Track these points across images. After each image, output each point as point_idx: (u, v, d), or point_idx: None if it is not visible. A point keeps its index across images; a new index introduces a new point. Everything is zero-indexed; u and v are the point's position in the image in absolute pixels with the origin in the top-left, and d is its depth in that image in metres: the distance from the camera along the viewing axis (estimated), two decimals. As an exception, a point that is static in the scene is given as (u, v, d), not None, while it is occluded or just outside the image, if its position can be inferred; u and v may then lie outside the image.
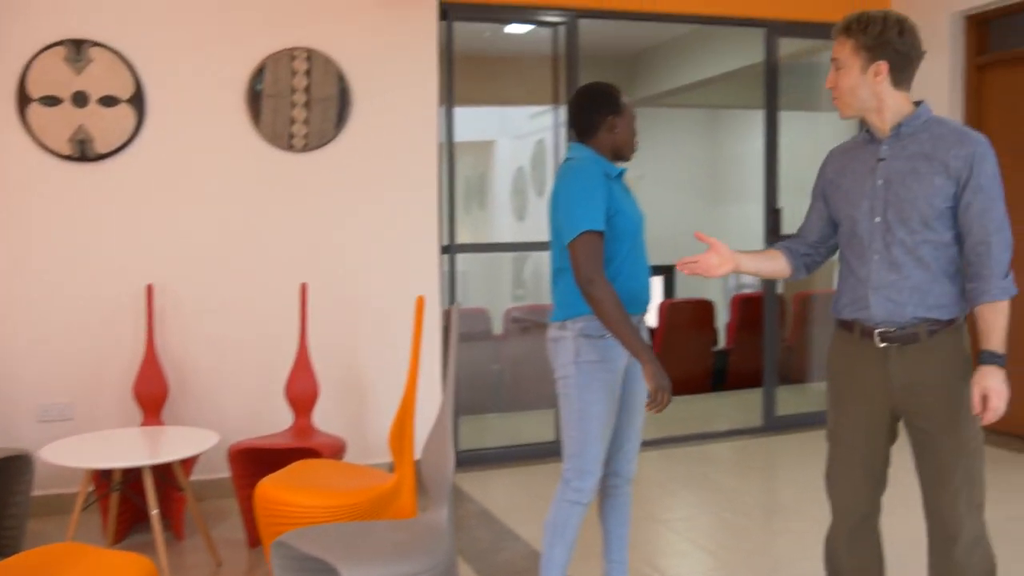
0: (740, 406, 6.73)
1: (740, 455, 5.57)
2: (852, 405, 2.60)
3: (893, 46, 2.42)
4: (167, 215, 4.61)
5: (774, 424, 6.01)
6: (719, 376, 7.48)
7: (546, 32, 5.50)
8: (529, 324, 7.50)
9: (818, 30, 5.97)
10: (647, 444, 5.44)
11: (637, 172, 8.33)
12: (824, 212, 2.69)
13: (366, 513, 3.34)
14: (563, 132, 5.52)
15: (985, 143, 2.43)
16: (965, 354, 2.50)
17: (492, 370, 6.72)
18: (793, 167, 6.11)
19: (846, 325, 2.60)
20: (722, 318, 8.99)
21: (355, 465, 3.83)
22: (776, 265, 2.72)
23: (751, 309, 7.52)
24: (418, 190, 5.01)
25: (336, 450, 4.10)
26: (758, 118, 10.66)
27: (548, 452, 5.40)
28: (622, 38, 8.01)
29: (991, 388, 2.35)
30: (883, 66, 2.43)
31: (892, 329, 2.47)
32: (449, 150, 5.18)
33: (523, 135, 10.65)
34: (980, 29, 5.63)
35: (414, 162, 5.01)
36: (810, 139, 7.19)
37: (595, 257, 2.78)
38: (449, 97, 5.13)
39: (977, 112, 5.66)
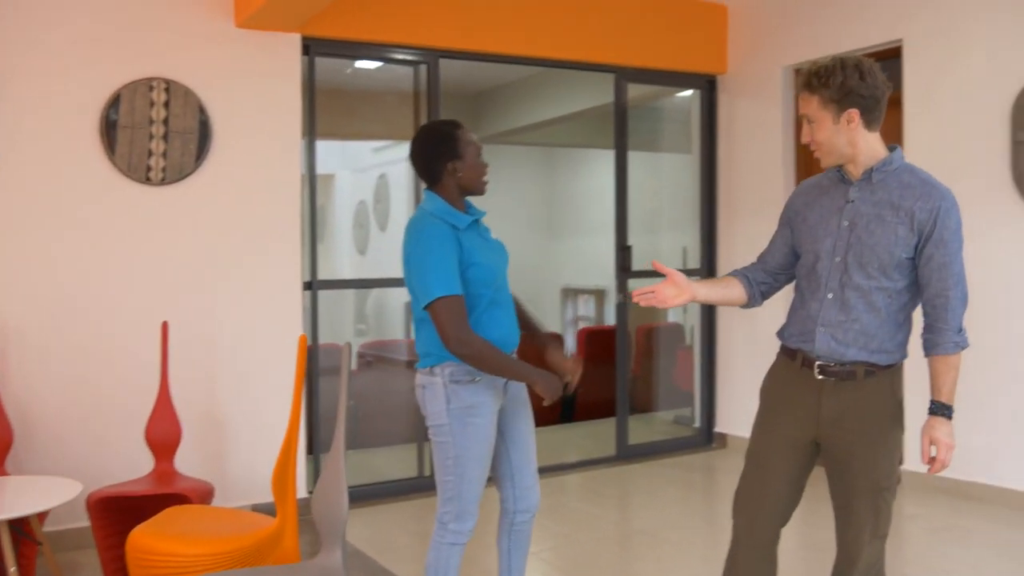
0: (591, 436, 6.93)
1: (597, 484, 5.74)
2: (780, 429, 2.64)
3: (858, 92, 2.43)
4: (12, 248, 4.33)
5: (627, 453, 6.23)
6: (567, 407, 7.66)
7: (408, 70, 5.55)
8: (371, 359, 7.48)
9: (663, 77, 6.33)
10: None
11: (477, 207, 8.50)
12: (789, 240, 2.72)
13: (248, 559, 3.23)
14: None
15: (951, 197, 2.46)
16: (897, 398, 2.56)
17: (348, 406, 6.63)
18: (635, 206, 6.39)
19: (789, 353, 2.65)
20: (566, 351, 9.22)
21: (229, 509, 3.70)
22: (732, 293, 2.75)
23: (597, 342, 7.77)
24: (281, 225, 4.93)
25: (204, 495, 3.95)
26: (594, 156, 11.13)
27: (411, 488, 5.39)
28: (469, 76, 8.16)
29: (940, 440, 2.43)
30: (854, 114, 2.45)
31: (832, 365, 2.53)
32: (311, 184, 5.13)
33: (365, 168, 10.62)
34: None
35: (276, 196, 4.93)
36: (653, 178, 7.57)
37: (457, 319, 2.76)
38: (311, 131, 5.09)
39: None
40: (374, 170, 10.44)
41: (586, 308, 11.91)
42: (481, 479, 2.96)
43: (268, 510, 4.20)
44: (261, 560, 3.27)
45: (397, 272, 5.95)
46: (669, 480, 5.83)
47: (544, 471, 5.80)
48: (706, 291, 2.75)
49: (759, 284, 2.78)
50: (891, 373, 2.54)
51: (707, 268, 6.54)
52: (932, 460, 2.47)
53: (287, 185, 4.95)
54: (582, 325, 11.75)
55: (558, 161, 11.93)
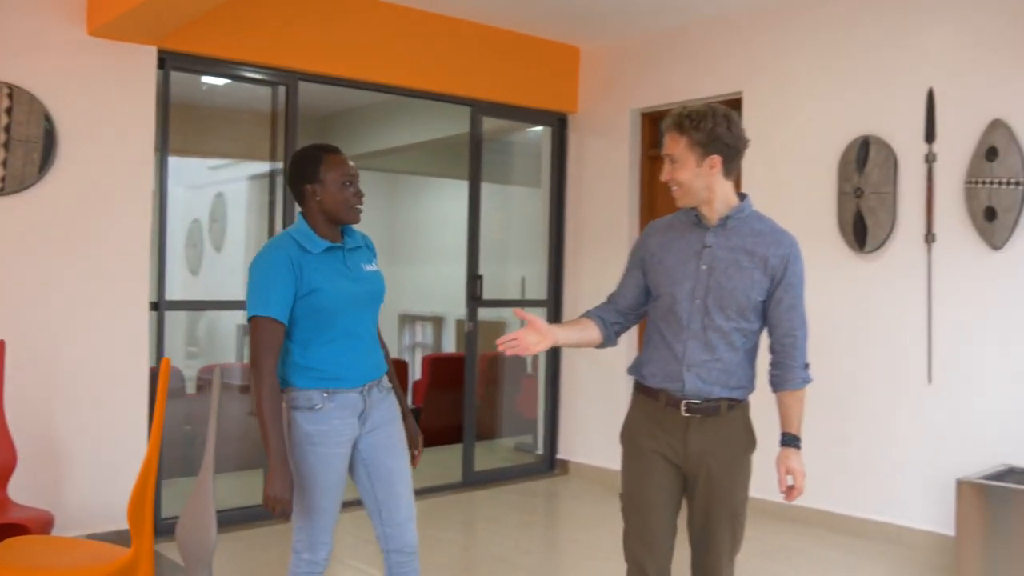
0: (435, 463, 6.95)
1: (444, 510, 5.77)
2: (654, 472, 2.68)
3: (724, 140, 2.59)
4: None
5: (472, 479, 6.30)
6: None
7: (266, 89, 5.47)
8: (204, 383, 7.24)
9: (517, 112, 6.51)
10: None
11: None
12: (641, 281, 2.77)
13: (100, 591, 3.09)
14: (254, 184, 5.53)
15: (797, 245, 2.64)
16: (751, 428, 2.72)
17: (184, 431, 6.39)
18: (483, 236, 6.52)
19: (650, 392, 2.70)
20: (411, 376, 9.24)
21: (74, 539, 3.52)
22: (589, 335, 2.77)
23: (441, 368, 7.83)
24: (129, 242, 4.74)
25: (44, 524, 3.73)
26: (436, 185, 11.21)
27: (256, 516, 5.25)
28: (321, 98, 8.09)
29: (795, 469, 2.62)
30: (716, 160, 2.59)
31: (698, 402, 2.62)
32: (161, 201, 4.95)
33: (200, 186, 10.29)
34: (652, 125, 6.45)
35: (125, 212, 4.74)
36: (502, 209, 7.73)
37: (264, 342, 2.73)
38: (163, 146, 4.93)
39: (650, 196, 6.44)
40: (210, 188, 10.13)
41: (424, 334, 11.96)
42: (330, 510, 2.88)
43: (111, 539, 4.01)
44: (114, 592, 3.12)
45: (233, 294, 5.82)
46: (514, 506, 5.94)
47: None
48: (565, 334, 2.77)
49: (612, 324, 2.82)
50: (745, 406, 2.71)
51: (553, 299, 6.74)
52: (790, 489, 2.64)
53: (137, 201, 4.77)
54: (419, 352, 11.79)
55: (399, 188, 11.96)
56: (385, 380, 2.99)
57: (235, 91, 5.86)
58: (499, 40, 6.22)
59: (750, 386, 2.71)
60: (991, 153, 4.66)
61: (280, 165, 5.45)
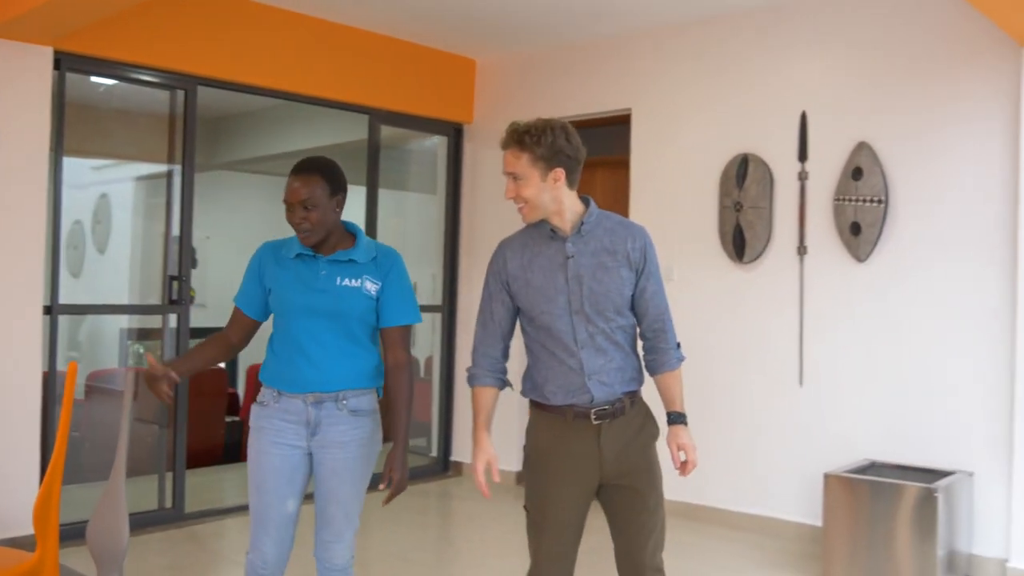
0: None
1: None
2: (565, 484, 2.68)
3: (565, 152, 2.62)
4: None
5: (370, 481, 6.38)
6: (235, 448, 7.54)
7: (164, 93, 5.45)
8: (92, 389, 7.09)
9: (414, 122, 6.65)
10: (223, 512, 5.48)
11: (203, 233, 8.30)
12: (511, 304, 2.74)
13: (3, 596, 3.08)
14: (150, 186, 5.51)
15: (648, 234, 2.73)
16: (652, 416, 2.78)
17: (72, 437, 6.26)
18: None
19: (555, 410, 2.68)
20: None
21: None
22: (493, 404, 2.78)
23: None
24: (24, 244, 4.67)
25: (-63, 531, 3.66)
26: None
27: (152, 521, 5.22)
28: (213, 101, 8.04)
29: (686, 444, 2.69)
30: (560, 172, 2.62)
31: (606, 407, 2.66)
32: (55, 202, 4.88)
33: (83, 186, 10.02)
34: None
35: (19, 213, 4.67)
36: (397, 215, 7.84)
37: (229, 323, 3.04)
38: (58, 147, 4.88)
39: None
40: (93, 188, 9.88)
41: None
42: (259, 511, 2.88)
43: (4, 546, 3.96)
44: (18, 596, 3.12)
45: (119, 297, 5.73)
46: (409, 507, 6.06)
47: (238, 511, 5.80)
48: (487, 435, 2.72)
49: (502, 371, 2.78)
50: (640, 397, 2.78)
51: (448, 304, 6.90)
52: (683, 464, 2.71)
53: (31, 202, 4.71)
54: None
55: (280, 192, 11.85)
56: (353, 401, 2.88)
57: (133, 94, 5.81)
58: (398, 51, 6.34)
59: (640, 376, 2.79)
60: (857, 173, 5.06)
61: (178, 167, 5.44)
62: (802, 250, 5.28)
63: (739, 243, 5.51)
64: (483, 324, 2.78)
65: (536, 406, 2.78)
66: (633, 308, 2.74)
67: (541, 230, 2.71)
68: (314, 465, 2.92)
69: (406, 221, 7.88)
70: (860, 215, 5.05)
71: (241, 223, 11.15)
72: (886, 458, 4.87)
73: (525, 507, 2.77)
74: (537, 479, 2.74)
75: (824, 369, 5.21)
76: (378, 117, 6.38)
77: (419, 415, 7.25)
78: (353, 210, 10.45)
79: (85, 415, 6.53)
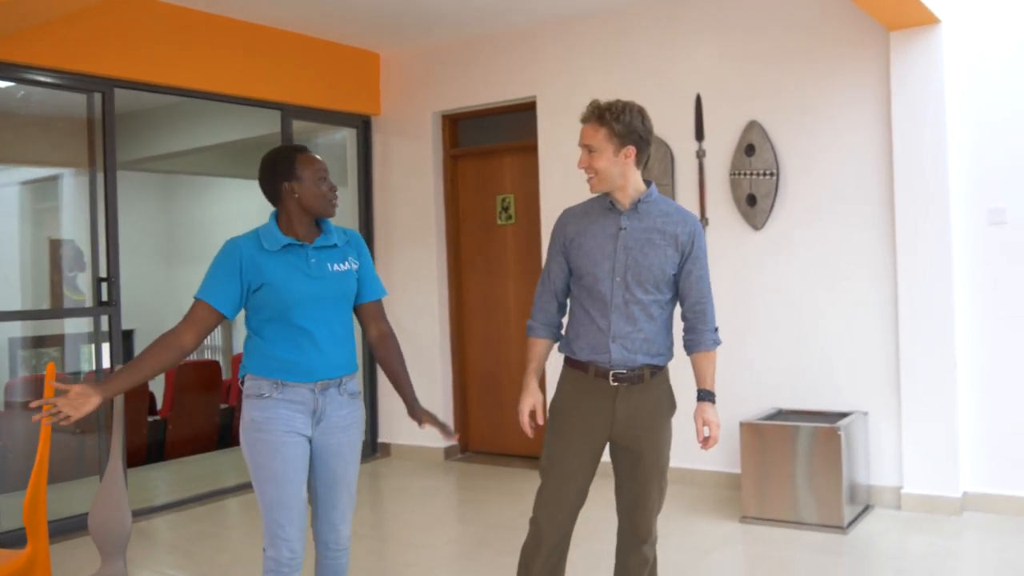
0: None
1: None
2: (576, 436, 2.91)
3: (639, 133, 2.82)
4: None
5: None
6: (226, 432, 7.75)
7: (81, 97, 5.46)
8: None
9: (324, 115, 6.81)
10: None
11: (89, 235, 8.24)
12: (566, 266, 2.98)
13: (1, 592, 3.19)
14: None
15: (699, 222, 2.95)
16: (671, 394, 3.00)
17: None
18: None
19: (580, 366, 2.91)
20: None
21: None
22: (547, 353, 3.05)
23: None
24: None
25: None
26: (217, 184, 11.07)
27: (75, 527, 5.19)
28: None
29: (711, 420, 2.91)
30: (632, 150, 2.82)
31: (624, 371, 2.86)
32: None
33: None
34: (453, 127, 6.96)
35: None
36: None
37: (186, 316, 2.87)
38: (-20, 156, 4.87)
39: (453, 192, 6.95)
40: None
41: (213, 336, 11.83)
42: (283, 502, 2.86)
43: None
44: (15, 591, 3.23)
45: (5, 304, 5.70)
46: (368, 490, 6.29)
47: (224, 492, 5.97)
48: (538, 374, 3.02)
49: (557, 326, 3.05)
50: (666, 372, 2.99)
51: (366, 292, 7.09)
52: (706, 439, 2.94)
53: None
54: (209, 354, 11.64)
55: (177, 189, 11.73)
56: (350, 384, 2.99)
57: (51, 98, 5.78)
58: (306, 47, 6.49)
59: (669, 353, 2.97)
60: (749, 149, 5.55)
61: (69, 170, 5.48)
62: (704, 222, 5.74)
63: (646, 218, 5.93)
64: (541, 282, 3.04)
65: (566, 361, 2.99)
66: (678, 289, 2.95)
67: (602, 203, 2.94)
68: (315, 450, 2.94)
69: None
70: (755, 187, 5.54)
71: (130, 223, 10.99)
72: (791, 405, 5.39)
73: (541, 460, 2.99)
74: (551, 428, 2.96)
75: (729, 329, 5.65)
76: (290, 112, 6.51)
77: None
78: (228, 202, 10.52)
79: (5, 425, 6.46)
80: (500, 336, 6.85)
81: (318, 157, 2.98)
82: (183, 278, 11.22)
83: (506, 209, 6.77)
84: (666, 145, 5.85)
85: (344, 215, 7.34)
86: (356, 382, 3.04)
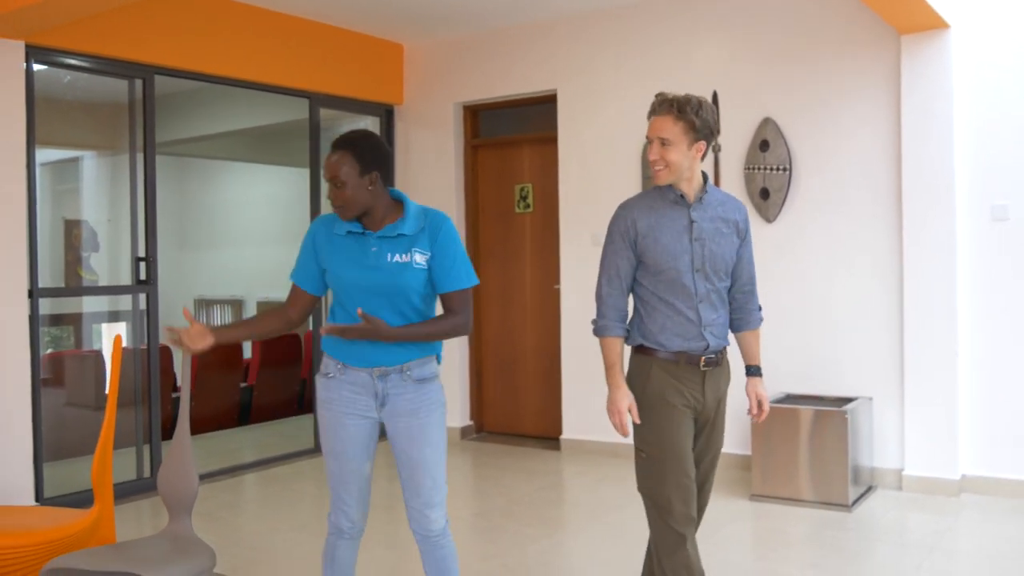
0: (280, 434, 7.42)
1: (304, 472, 6.26)
2: (682, 419, 2.94)
3: (711, 128, 2.87)
4: None
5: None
6: (245, 411, 7.99)
7: (123, 82, 5.67)
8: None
9: (349, 104, 7.03)
10: (216, 474, 5.85)
11: (105, 216, 8.44)
12: (634, 260, 2.95)
13: (72, 547, 3.42)
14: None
15: (746, 208, 3.08)
16: (730, 370, 3.11)
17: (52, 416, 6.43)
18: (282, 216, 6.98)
19: (670, 356, 2.94)
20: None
21: (21, 507, 3.77)
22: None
23: (270, 348, 8.19)
24: (5, 233, 4.87)
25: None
26: (231, 169, 11.25)
27: (135, 490, 5.48)
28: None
29: (763, 395, 3.09)
30: (703, 145, 2.87)
31: (713, 356, 2.96)
32: (31, 191, 5.08)
33: None
34: (474, 117, 7.18)
35: (3, 204, 4.86)
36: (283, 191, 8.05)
37: (288, 298, 3.03)
38: (31, 138, 5.07)
39: (473, 181, 7.17)
40: None
41: (223, 318, 12.03)
42: (342, 477, 2.99)
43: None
44: (83, 545, 3.46)
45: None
46: (316, 481, 6.53)
47: (242, 468, 6.21)
48: (624, 379, 2.99)
49: (626, 320, 3.03)
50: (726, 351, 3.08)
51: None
52: (760, 411, 3.09)
53: (11, 192, 4.90)
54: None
55: (190, 174, 11.92)
56: (418, 370, 2.94)
57: (95, 84, 5.99)
58: (332, 36, 6.71)
59: (729, 335, 3.09)
60: (764, 145, 5.79)
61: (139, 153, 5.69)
62: (718, 214, 5.97)
63: (662, 209, 6.16)
64: (609, 280, 2.98)
65: (645, 352, 2.99)
66: (733, 272, 3.05)
67: (665, 195, 2.94)
68: (389, 437, 2.99)
69: (293, 197, 8.23)
70: (768, 182, 5.78)
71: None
72: (799, 390, 5.65)
73: (639, 449, 2.99)
74: (653, 417, 2.95)
75: (741, 318, 5.93)
76: (318, 100, 6.73)
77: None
78: (257, 189, 10.68)
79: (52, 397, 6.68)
80: (516, 321, 7.09)
81: (327, 159, 2.89)
82: (193, 263, 11.45)
83: (524, 198, 7.00)
84: (683, 139, 6.07)
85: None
86: (431, 367, 2.98)
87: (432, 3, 6.24)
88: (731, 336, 3.12)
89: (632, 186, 6.27)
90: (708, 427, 3.04)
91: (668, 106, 2.84)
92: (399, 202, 2.97)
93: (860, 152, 5.54)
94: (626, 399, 2.95)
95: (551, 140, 6.72)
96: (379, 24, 6.76)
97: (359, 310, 2.82)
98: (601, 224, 6.29)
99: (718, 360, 3.00)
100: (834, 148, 5.63)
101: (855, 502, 5.09)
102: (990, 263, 5.23)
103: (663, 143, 2.85)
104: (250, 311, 11.42)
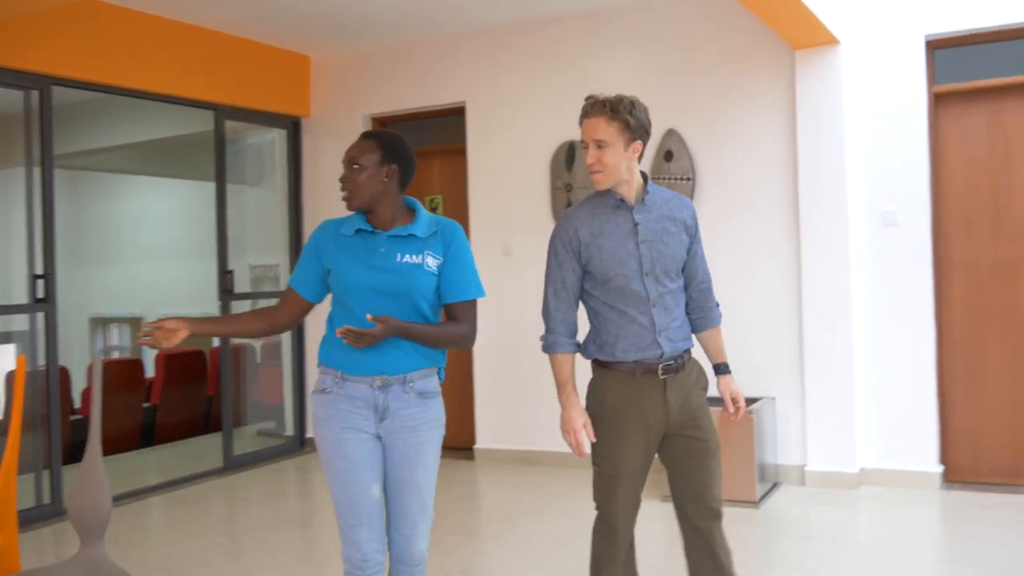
0: (185, 454, 7.24)
1: (218, 490, 6.14)
2: (636, 436, 2.85)
3: (645, 128, 2.81)
4: None
5: (234, 463, 6.68)
6: (148, 431, 7.77)
7: (18, 94, 5.49)
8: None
9: (255, 116, 6.95)
10: (120, 498, 5.70)
11: None
12: (580, 271, 2.87)
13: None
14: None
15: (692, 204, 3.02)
16: (702, 369, 3.01)
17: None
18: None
19: (625, 367, 2.85)
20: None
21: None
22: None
23: (176, 366, 8.00)
24: None
25: None
26: (128, 183, 10.93)
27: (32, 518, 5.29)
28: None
29: (737, 392, 2.98)
30: (639, 145, 2.80)
31: (672, 362, 2.85)
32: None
33: None
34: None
35: None
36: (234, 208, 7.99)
37: (280, 301, 2.93)
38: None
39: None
40: None
41: (120, 338, 11.66)
42: (350, 502, 2.77)
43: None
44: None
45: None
46: (281, 481, 6.46)
47: (156, 490, 6.05)
48: (578, 399, 2.89)
49: (576, 334, 2.93)
50: (690, 352, 2.97)
51: (295, 290, 7.24)
52: (737, 409, 2.98)
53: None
54: (115, 355, 11.48)
55: (83, 187, 11.55)
56: (421, 382, 2.81)
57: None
58: (237, 48, 6.63)
59: (691, 334, 2.99)
60: (668, 155, 5.96)
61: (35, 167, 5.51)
62: (625, 223, 6.12)
63: (570, 219, 6.28)
64: (555, 293, 2.89)
65: (602, 365, 2.91)
66: (684, 271, 2.96)
67: (606, 200, 2.86)
68: (385, 452, 2.82)
69: (247, 213, 8.11)
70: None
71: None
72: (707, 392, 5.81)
73: (595, 463, 2.91)
74: (609, 434, 2.87)
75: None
76: (223, 112, 6.63)
77: (269, 398, 7.57)
78: (156, 203, 10.43)
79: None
80: (428, 332, 7.08)
81: (356, 142, 2.89)
82: (88, 280, 11.06)
83: (435, 209, 7.03)
84: (589, 150, 6.20)
85: (274, 215, 7.47)
86: (433, 381, 2.85)
87: (339, 15, 6.23)
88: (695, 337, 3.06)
89: (542, 197, 6.38)
90: (693, 440, 2.89)
91: (600, 107, 2.76)
92: (411, 209, 2.90)
93: (760, 162, 5.76)
94: (580, 418, 2.86)
95: (460, 152, 6.77)
96: (285, 35, 6.71)
97: (368, 315, 2.67)
98: (511, 235, 6.43)
99: (678, 366, 2.88)
100: (735, 158, 5.83)
101: (762, 498, 5.27)
102: (881, 266, 5.50)
103: (599, 145, 2.76)
104: (149, 329, 11.09)
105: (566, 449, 6.19)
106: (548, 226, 6.36)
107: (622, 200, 2.85)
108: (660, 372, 2.84)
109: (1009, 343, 5.39)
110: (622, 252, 2.82)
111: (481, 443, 6.69)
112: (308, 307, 2.93)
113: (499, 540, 4.92)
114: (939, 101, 5.50)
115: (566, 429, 2.87)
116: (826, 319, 5.51)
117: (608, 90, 6.05)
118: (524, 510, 5.38)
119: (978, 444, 5.47)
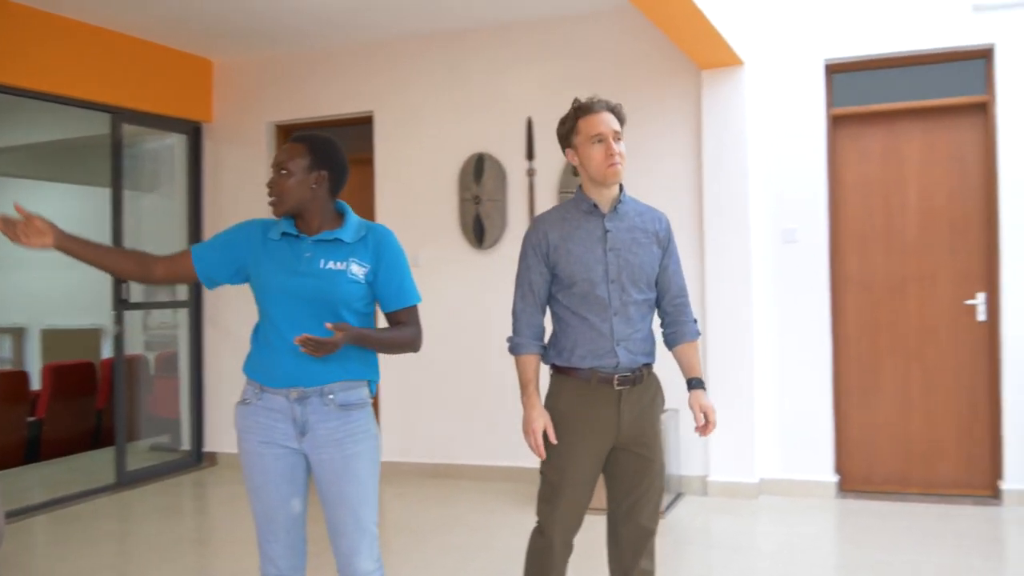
0: (76, 470, 6.92)
1: (105, 509, 5.89)
2: (585, 444, 2.83)
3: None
4: None
5: (127, 479, 6.42)
6: (33, 446, 7.41)
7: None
8: None
9: (154, 120, 6.74)
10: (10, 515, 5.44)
11: None
12: (548, 275, 2.87)
13: None
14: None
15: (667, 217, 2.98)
16: (662, 390, 3.00)
17: None
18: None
19: (580, 374, 2.83)
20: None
21: None
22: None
23: (64, 378, 7.66)
24: None
25: None
26: (18, 186, 10.49)
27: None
28: None
29: (708, 406, 2.86)
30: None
31: (628, 374, 2.83)
32: None
33: None
34: (286, 138, 7.03)
35: None
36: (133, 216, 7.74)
37: (170, 255, 2.79)
38: None
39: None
40: None
41: (2, 350, 11.10)
42: (266, 516, 2.72)
43: None
44: None
45: None
46: (178, 497, 6.23)
47: (34, 509, 5.76)
48: (539, 399, 2.88)
49: (542, 338, 2.92)
50: (652, 369, 2.97)
51: (195, 300, 7.03)
52: (704, 425, 2.88)
53: None
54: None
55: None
56: (342, 395, 2.69)
57: None
58: (135, 49, 6.42)
59: (655, 351, 2.96)
60: (576, 170, 5.98)
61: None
62: (533, 236, 6.15)
63: (479, 231, 6.28)
64: (523, 296, 2.91)
65: (560, 372, 2.90)
66: (657, 284, 2.95)
67: (579, 206, 2.89)
68: (314, 471, 2.72)
69: (144, 220, 7.84)
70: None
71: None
72: (612, 405, 5.87)
73: (541, 471, 2.91)
74: (561, 442, 2.84)
75: (556, 336, 6.12)
76: (120, 116, 6.41)
77: (165, 411, 7.32)
78: (48, 209, 10.12)
79: None
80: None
81: (285, 145, 2.77)
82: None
83: (340, 219, 6.92)
84: (499, 163, 6.24)
85: (173, 221, 7.25)
86: (358, 392, 2.72)
87: (241, 19, 6.10)
88: (663, 354, 3.04)
89: (450, 209, 6.36)
90: (638, 457, 2.89)
91: (604, 104, 2.86)
92: (340, 213, 2.80)
93: (666, 179, 5.87)
94: (541, 419, 2.85)
95: (367, 161, 6.70)
96: (186, 38, 6.53)
97: (327, 324, 2.58)
98: (418, 245, 6.38)
99: (635, 379, 2.86)
100: (642, 174, 5.90)
101: (666, 509, 5.35)
102: (782, 282, 5.67)
103: (617, 138, 2.84)
104: (33, 340, 10.62)
105: (473, 461, 6.24)
106: (456, 238, 6.36)
107: (595, 206, 2.87)
108: (616, 383, 2.83)
109: (900, 357, 5.62)
110: (590, 257, 2.83)
111: (388, 456, 6.59)
112: (190, 277, 2.77)
113: (405, 554, 4.86)
114: (837, 123, 5.72)
115: (526, 430, 2.87)
116: (728, 333, 5.64)
117: (517, 104, 6.17)
118: (432, 524, 5.32)
119: (871, 454, 5.68)
